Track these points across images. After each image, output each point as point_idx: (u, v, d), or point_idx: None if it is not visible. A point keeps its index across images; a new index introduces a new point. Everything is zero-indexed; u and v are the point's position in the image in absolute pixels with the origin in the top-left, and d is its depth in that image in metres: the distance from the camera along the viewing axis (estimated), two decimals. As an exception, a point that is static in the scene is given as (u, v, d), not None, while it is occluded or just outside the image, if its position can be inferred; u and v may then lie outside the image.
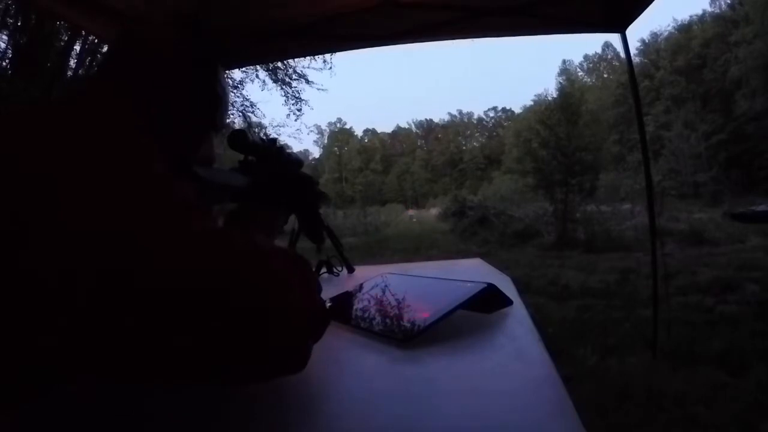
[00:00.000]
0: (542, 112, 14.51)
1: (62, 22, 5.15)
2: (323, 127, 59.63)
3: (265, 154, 0.82)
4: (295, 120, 13.53)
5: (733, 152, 22.61)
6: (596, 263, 6.02)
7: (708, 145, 23.68)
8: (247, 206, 0.76)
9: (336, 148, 58.69)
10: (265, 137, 0.83)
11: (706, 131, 24.24)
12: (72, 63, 6.20)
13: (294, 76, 9.33)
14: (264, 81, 9.43)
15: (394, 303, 0.76)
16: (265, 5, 2.35)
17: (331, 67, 8.78)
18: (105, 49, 5.94)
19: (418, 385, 0.47)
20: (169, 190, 0.41)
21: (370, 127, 65.52)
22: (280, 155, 0.85)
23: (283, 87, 9.39)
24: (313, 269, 1.18)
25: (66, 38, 5.99)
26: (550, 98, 21.86)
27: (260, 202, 0.77)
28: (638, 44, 33.90)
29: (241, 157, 0.81)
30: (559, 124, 11.05)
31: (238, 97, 9.11)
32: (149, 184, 0.40)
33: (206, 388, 0.46)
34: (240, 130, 0.78)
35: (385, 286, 0.85)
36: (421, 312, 0.66)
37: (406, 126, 62.77)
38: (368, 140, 61.06)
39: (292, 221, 1.03)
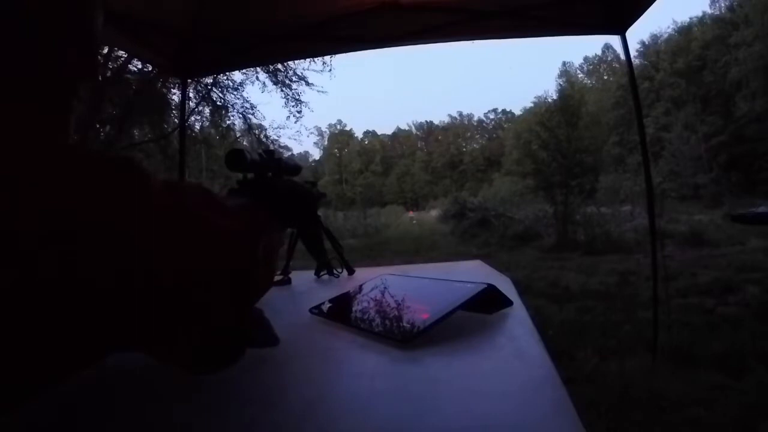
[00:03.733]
0: (542, 113, 14.55)
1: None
2: (323, 128, 59.79)
3: (264, 170, 0.82)
4: (295, 122, 13.57)
5: (734, 154, 22.64)
6: (596, 265, 6.02)
7: (708, 147, 23.71)
8: None
9: (336, 150, 58.78)
10: (263, 152, 0.82)
11: (706, 133, 24.29)
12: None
13: (294, 78, 9.34)
14: (264, 83, 9.42)
15: (393, 304, 0.76)
16: (265, 7, 2.36)
17: (330, 69, 8.77)
18: (105, 50, 5.96)
19: (418, 385, 0.47)
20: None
21: (370, 129, 65.79)
22: (278, 168, 0.84)
23: (283, 89, 9.40)
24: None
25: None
26: (550, 100, 21.87)
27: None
28: (638, 46, 34.03)
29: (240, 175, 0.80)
30: (559, 125, 11.08)
31: (238, 99, 9.12)
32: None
33: (205, 388, 0.46)
34: (237, 150, 0.76)
35: (385, 287, 0.85)
36: (420, 313, 0.66)
37: (406, 128, 62.93)
38: (368, 142, 61.14)
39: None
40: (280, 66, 8.61)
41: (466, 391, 0.45)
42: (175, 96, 7.67)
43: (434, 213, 24.03)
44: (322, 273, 1.25)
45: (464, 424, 0.39)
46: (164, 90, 7.65)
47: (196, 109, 8.45)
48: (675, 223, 9.02)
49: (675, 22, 33.69)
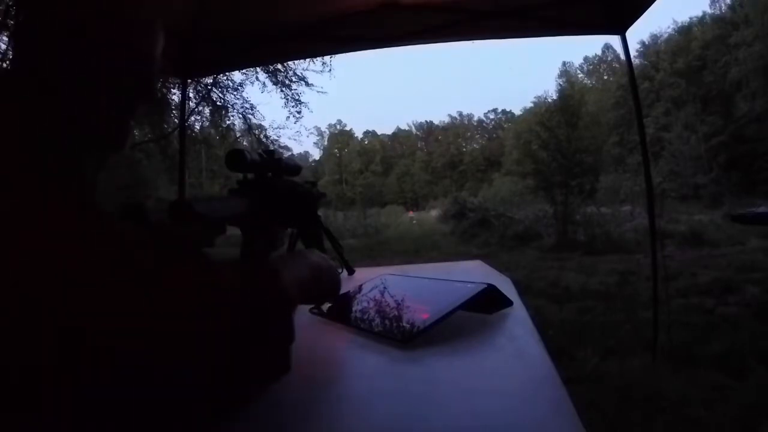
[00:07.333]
0: (542, 113, 14.56)
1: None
2: (323, 128, 59.66)
3: (264, 170, 0.82)
4: (295, 122, 13.56)
5: (733, 154, 22.63)
6: (596, 265, 6.01)
7: (708, 147, 23.69)
8: (247, 230, 0.78)
9: (336, 150, 58.70)
10: (263, 153, 0.82)
11: (706, 133, 24.27)
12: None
13: (294, 79, 9.33)
14: (264, 83, 9.42)
15: (393, 304, 0.76)
16: (265, 7, 2.36)
17: (330, 69, 8.76)
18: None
19: (418, 385, 0.47)
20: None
21: (370, 129, 65.78)
22: (278, 168, 0.84)
23: (283, 89, 9.39)
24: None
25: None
26: (550, 100, 21.87)
27: (259, 227, 0.78)
28: (638, 46, 34.00)
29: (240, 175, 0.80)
30: (559, 125, 11.08)
31: (238, 99, 9.12)
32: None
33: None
34: (237, 151, 0.76)
35: (385, 287, 0.85)
36: (420, 313, 0.66)
37: (406, 128, 62.81)
38: (368, 142, 61.05)
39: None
40: (280, 66, 8.61)
41: (466, 391, 0.45)
42: (175, 96, 7.67)
43: (434, 213, 23.98)
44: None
45: (464, 424, 0.39)
46: (164, 90, 7.64)
47: (196, 109, 8.45)
48: (675, 223, 9.01)
49: (675, 22, 33.63)
